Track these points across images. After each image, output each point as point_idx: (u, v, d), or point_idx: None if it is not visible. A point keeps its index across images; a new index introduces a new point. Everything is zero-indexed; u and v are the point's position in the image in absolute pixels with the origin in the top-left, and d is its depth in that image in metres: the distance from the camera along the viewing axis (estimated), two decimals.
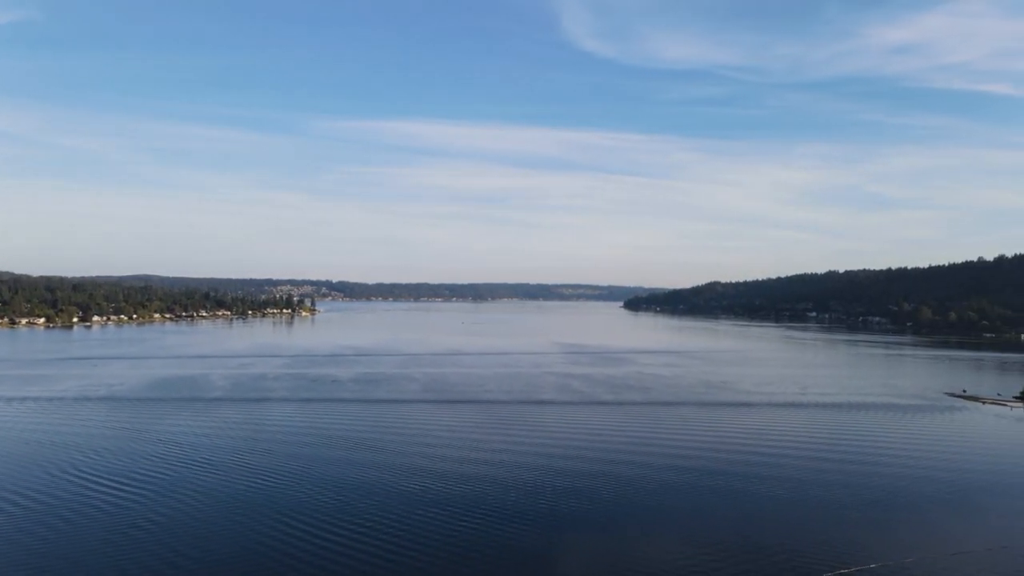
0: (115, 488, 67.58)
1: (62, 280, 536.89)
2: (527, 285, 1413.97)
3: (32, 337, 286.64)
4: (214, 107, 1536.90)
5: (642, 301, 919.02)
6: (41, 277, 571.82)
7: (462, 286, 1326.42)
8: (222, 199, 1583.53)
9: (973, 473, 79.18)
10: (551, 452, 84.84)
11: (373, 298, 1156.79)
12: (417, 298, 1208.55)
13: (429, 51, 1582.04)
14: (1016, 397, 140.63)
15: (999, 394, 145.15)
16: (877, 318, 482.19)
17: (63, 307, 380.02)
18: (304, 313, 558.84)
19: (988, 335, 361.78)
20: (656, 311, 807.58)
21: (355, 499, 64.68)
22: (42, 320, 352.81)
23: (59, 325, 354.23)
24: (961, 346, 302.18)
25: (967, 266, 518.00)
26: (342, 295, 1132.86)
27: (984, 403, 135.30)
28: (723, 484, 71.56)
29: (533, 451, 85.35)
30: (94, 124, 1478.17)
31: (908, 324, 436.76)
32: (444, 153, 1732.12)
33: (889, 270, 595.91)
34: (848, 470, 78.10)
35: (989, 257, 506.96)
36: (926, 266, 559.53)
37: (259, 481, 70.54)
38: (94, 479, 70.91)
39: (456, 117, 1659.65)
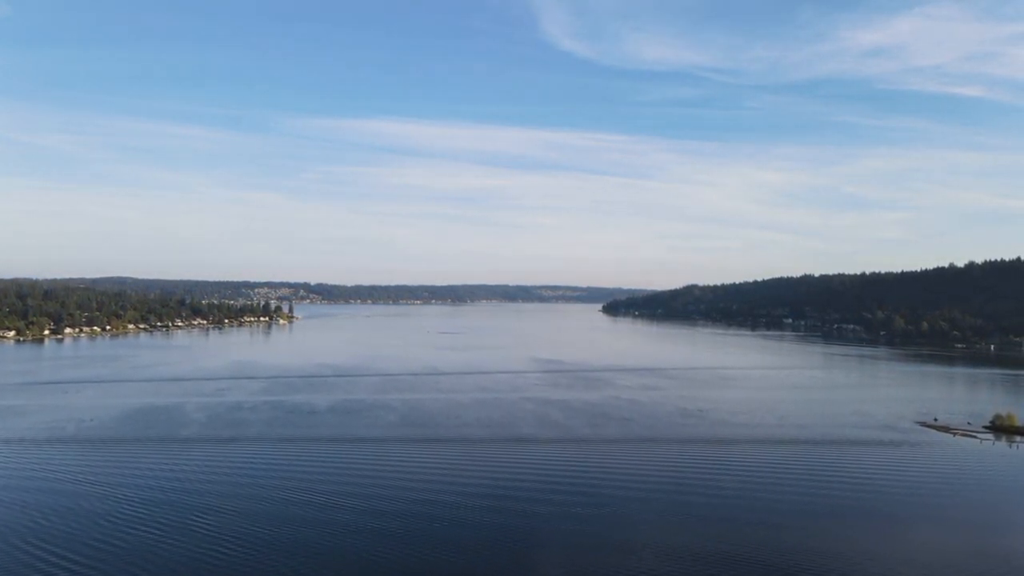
0: (73, 561, 66.12)
1: (33, 284, 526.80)
2: (506, 287, 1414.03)
3: (1, 355, 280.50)
4: (187, 105, 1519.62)
5: (621, 305, 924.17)
6: (12, 280, 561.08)
7: (441, 288, 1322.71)
8: (197, 199, 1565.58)
9: (938, 522, 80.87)
10: (533, 506, 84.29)
11: (352, 301, 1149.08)
12: (396, 300, 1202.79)
13: (407, 50, 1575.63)
14: (986, 427, 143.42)
15: (969, 423, 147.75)
16: (852, 326, 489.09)
17: (34, 318, 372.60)
18: (282, 321, 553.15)
19: (959, 346, 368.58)
20: (635, 315, 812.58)
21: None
22: (12, 333, 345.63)
23: (30, 338, 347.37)
24: (933, 358, 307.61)
25: (938, 272, 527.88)
26: (320, 298, 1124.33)
27: (955, 434, 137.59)
28: (697, 536, 72.01)
29: (514, 505, 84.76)
30: (63, 122, 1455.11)
31: (882, 333, 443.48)
32: (422, 153, 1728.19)
33: (863, 275, 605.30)
34: (818, 524, 78.84)
35: (960, 261, 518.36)
36: (899, 271, 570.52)
37: (229, 550, 69.51)
38: (50, 550, 69.02)
39: (434, 116, 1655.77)
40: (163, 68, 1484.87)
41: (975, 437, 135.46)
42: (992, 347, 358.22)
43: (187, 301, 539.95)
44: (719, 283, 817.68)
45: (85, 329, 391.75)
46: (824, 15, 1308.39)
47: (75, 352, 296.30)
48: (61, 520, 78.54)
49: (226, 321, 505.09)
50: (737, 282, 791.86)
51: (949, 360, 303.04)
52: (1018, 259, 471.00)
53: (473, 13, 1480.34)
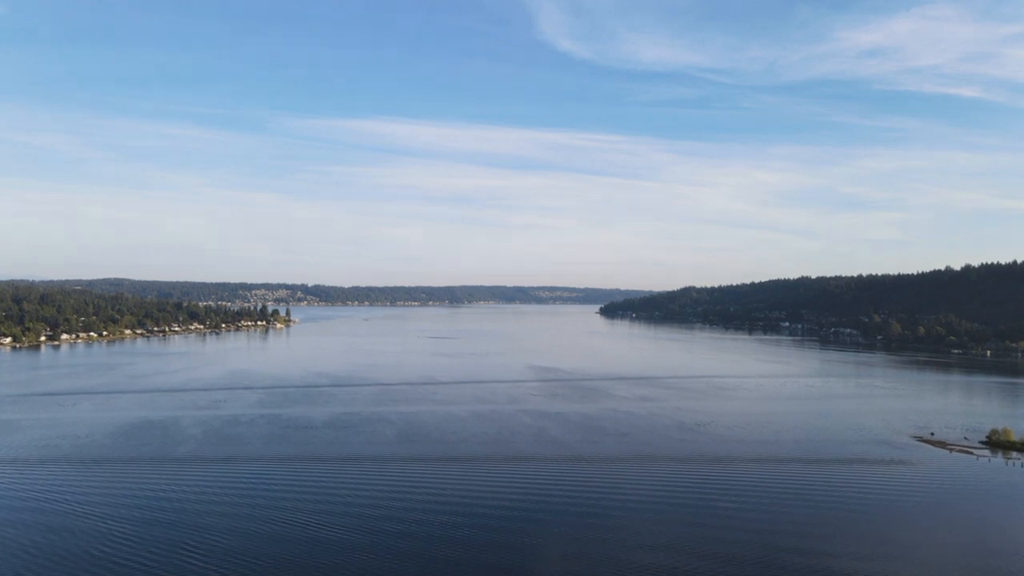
0: None
1: (30, 287, 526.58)
2: (504, 288, 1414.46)
3: None
4: (183, 105, 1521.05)
5: (618, 307, 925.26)
6: (8, 282, 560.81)
7: (438, 289, 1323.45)
8: (194, 199, 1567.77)
9: (934, 544, 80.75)
10: (531, 539, 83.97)
11: (349, 302, 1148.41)
12: (393, 302, 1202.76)
13: (405, 51, 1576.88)
14: (982, 442, 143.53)
15: (966, 438, 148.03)
16: (848, 330, 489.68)
17: (30, 324, 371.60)
18: (279, 325, 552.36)
19: (956, 351, 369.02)
20: (632, 318, 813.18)
21: None
22: (8, 340, 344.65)
23: (26, 345, 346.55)
24: (930, 365, 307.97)
25: (935, 275, 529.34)
26: (318, 299, 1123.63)
27: (952, 450, 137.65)
28: (696, 564, 71.94)
29: (511, 539, 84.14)
30: (61, 122, 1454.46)
31: (878, 338, 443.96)
32: (420, 153, 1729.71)
33: (860, 277, 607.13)
34: (815, 547, 78.51)
35: (957, 262, 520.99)
36: (895, 273, 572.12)
37: None
38: None
39: (432, 117, 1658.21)
40: (161, 68, 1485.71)
41: (971, 453, 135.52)
42: (988, 353, 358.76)
43: (184, 304, 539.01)
44: (716, 285, 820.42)
45: (82, 335, 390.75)
46: (821, 16, 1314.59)
47: (71, 360, 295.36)
48: (43, 556, 76.39)
49: (223, 326, 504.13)
50: (734, 284, 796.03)
51: (946, 367, 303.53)
52: (1014, 262, 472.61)
53: (470, 13, 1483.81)
